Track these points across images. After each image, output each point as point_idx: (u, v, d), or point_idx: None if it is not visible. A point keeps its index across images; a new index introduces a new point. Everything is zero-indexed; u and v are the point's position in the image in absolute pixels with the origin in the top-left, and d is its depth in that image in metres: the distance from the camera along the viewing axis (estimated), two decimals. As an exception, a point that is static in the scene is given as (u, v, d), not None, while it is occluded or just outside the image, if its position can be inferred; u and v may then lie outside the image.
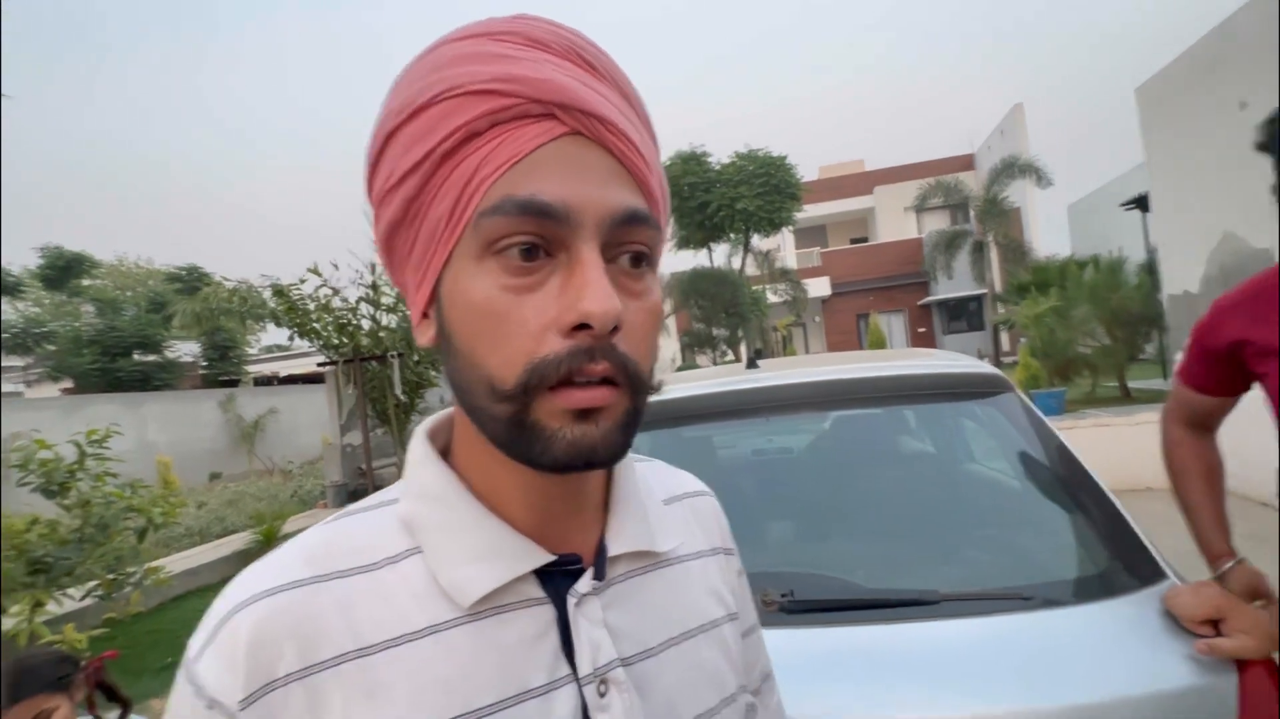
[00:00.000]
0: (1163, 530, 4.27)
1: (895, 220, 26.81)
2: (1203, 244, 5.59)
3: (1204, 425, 1.22)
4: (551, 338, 0.37)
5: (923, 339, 24.71)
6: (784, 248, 29.28)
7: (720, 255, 13.04)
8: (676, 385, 1.43)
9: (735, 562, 0.60)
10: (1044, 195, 24.83)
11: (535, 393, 0.37)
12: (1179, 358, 1.24)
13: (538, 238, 0.38)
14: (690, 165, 10.74)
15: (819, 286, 24.76)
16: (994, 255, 19.80)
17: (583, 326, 0.37)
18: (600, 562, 0.47)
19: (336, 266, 6.70)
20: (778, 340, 26.37)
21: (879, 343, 19.91)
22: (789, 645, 1.05)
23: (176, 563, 5.45)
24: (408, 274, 0.43)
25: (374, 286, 6.91)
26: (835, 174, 30.54)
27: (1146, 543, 1.12)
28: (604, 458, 0.39)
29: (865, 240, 28.84)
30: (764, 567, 1.14)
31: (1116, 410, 6.44)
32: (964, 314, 23.59)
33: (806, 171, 34.19)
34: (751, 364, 1.85)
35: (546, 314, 0.37)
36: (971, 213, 20.61)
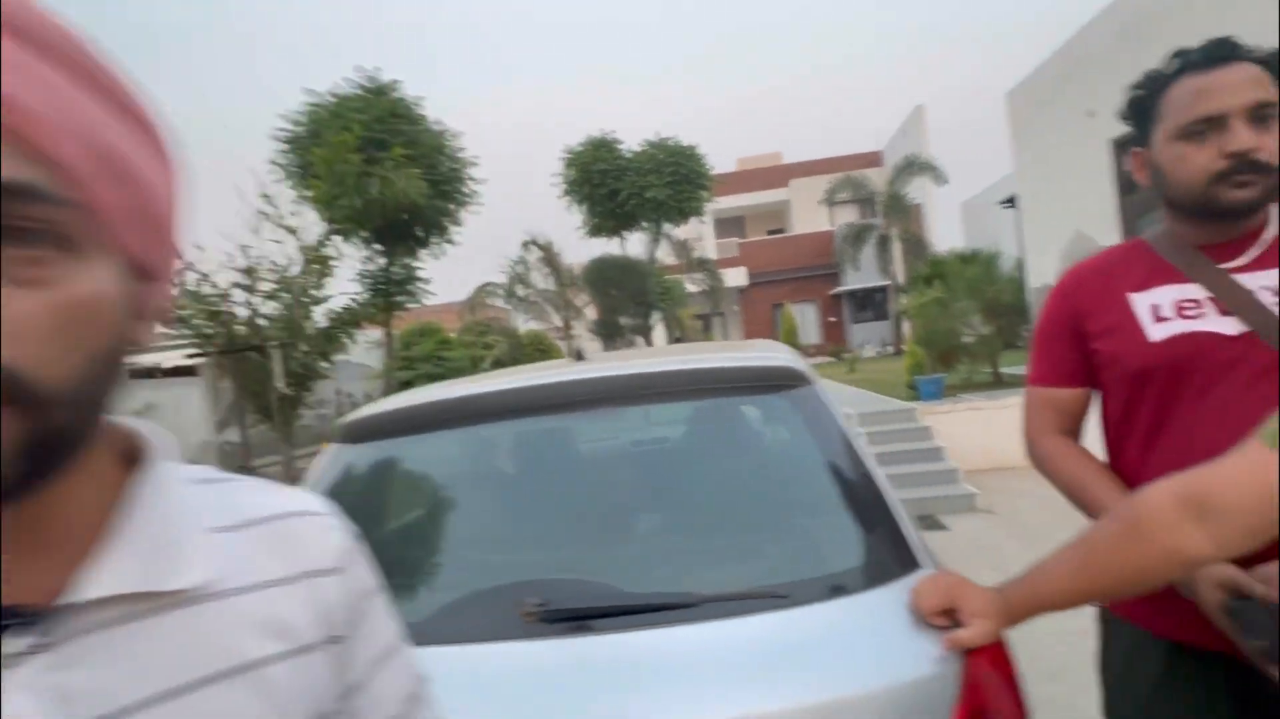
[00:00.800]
0: (1022, 504, 4.57)
1: (810, 213, 27.73)
2: (1061, 240, 6.08)
3: (1069, 429, 1.16)
4: None
5: (833, 328, 25.83)
6: (705, 238, 29.82)
7: (637, 244, 13.11)
8: (444, 387, 1.36)
9: (347, 582, 0.53)
10: (942, 193, 26.47)
11: None
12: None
13: None
14: (601, 152, 10.63)
15: (737, 276, 25.35)
16: (897, 249, 20.97)
17: None
18: (57, 611, 0.38)
19: (201, 249, 6.14)
20: (698, 329, 26.84)
21: (791, 332, 20.64)
22: (546, 657, 1.00)
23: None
24: None
25: (249, 270, 6.39)
26: (753, 166, 31.27)
27: (907, 534, 1.13)
28: None
29: (782, 232, 29.74)
30: (522, 576, 1.08)
31: (988, 395, 6.92)
32: (870, 304, 24.82)
33: (725, 163, 34.67)
34: (578, 357, 1.78)
35: None
36: (878, 208, 21.74)
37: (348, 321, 8.14)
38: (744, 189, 30.33)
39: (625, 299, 8.06)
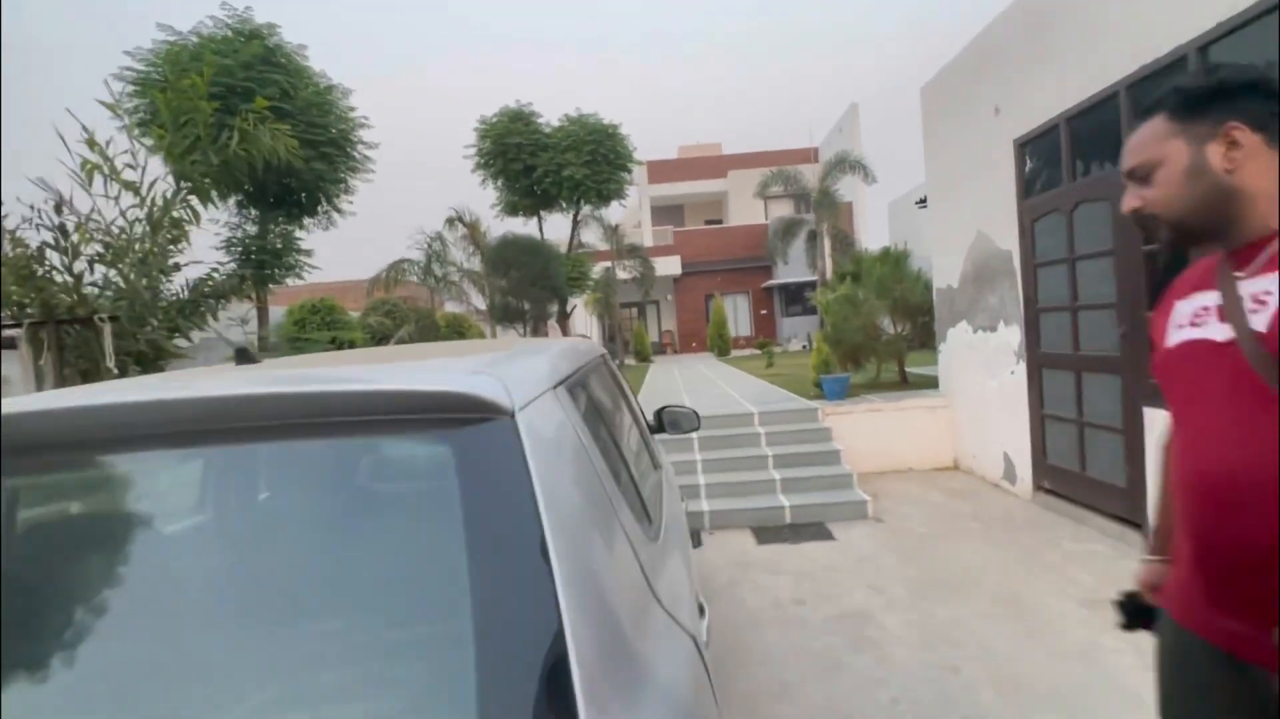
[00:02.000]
0: (911, 513, 4.32)
1: (747, 205, 27.81)
2: (964, 242, 5.96)
3: None
4: None
5: (764, 321, 26.00)
6: (644, 225, 29.41)
7: (560, 227, 12.42)
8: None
9: None
10: (874, 192, 26.99)
11: None
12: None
13: None
14: (516, 125, 9.91)
15: (671, 265, 25.07)
16: (827, 245, 21.21)
17: None
18: None
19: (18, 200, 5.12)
20: (628, 318, 26.44)
21: (721, 323, 20.56)
22: None
23: None
24: None
25: (62, 229, 5.41)
26: (693, 154, 31.04)
27: (574, 676, 0.70)
28: None
29: (720, 222, 29.70)
30: None
31: (890, 396, 6.80)
32: (800, 299, 25.08)
33: (667, 150, 34.13)
34: (244, 358, 1.28)
35: None
36: (810, 204, 21.90)
37: (208, 294, 7.21)
38: (684, 177, 30.12)
39: (526, 282, 7.43)
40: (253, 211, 7.82)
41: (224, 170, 6.59)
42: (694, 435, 6.17)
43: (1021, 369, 5.14)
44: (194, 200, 6.76)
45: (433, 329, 13.33)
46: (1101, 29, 4.00)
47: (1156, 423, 3.78)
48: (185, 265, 6.77)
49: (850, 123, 24.88)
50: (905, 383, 7.64)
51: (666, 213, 31.01)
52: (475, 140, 10.26)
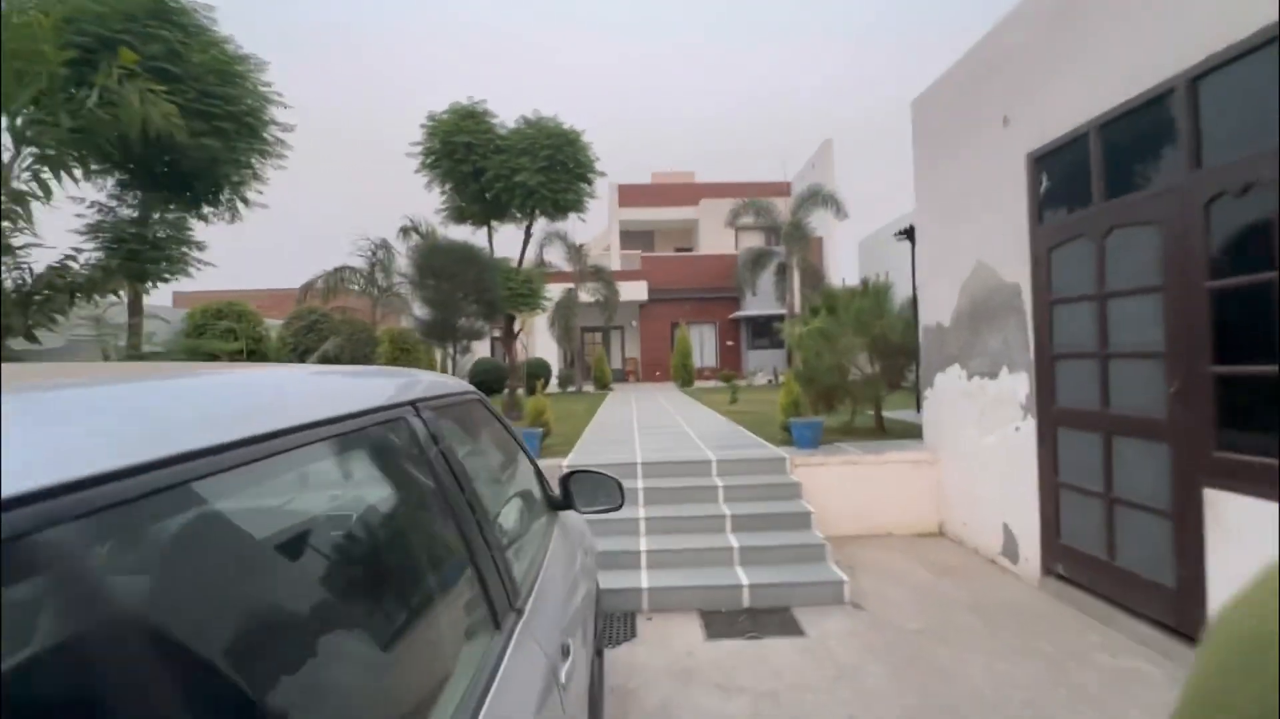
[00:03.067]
0: (895, 596, 3.19)
1: (717, 235, 27.35)
2: (959, 274, 5.17)
3: None
4: None
5: (730, 352, 25.30)
6: (613, 248, 28.62)
7: (514, 239, 11.17)
8: None
9: None
10: (843, 228, 26.78)
11: None
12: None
13: None
14: (467, 123, 8.91)
15: (637, 291, 24.24)
16: (795, 279, 20.69)
17: None
18: None
19: None
20: (593, 347, 25.41)
21: (685, 353, 19.70)
22: None
23: None
24: None
25: None
26: (666, 181, 30.59)
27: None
28: None
29: (690, 250, 29.16)
30: None
31: (868, 445, 5.91)
32: (767, 332, 24.50)
33: (640, 176, 33.74)
34: None
35: None
36: (781, 236, 21.45)
37: (62, 288, 5.92)
38: (656, 203, 29.55)
39: (457, 295, 6.31)
40: (137, 194, 6.59)
41: (84, 137, 5.41)
42: (639, 485, 5.15)
43: (1029, 425, 4.30)
44: (45, 172, 5.54)
45: (368, 344, 12.04)
46: (1156, 13, 3.25)
47: (1225, 510, 2.92)
48: (23, 248, 5.52)
49: (823, 159, 24.76)
50: (882, 429, 6.79)
51: (637, 238, 30.35)
52: (423, 138, 9.20)
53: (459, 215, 9.87)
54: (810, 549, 4.48)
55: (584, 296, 19.75)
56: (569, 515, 2.25)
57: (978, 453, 4.95)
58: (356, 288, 14.82)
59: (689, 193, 29.32)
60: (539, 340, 23.09)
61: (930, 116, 5.66)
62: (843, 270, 25.10)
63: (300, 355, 9.93)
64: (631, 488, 5.05)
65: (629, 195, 29.20)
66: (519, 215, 9.81)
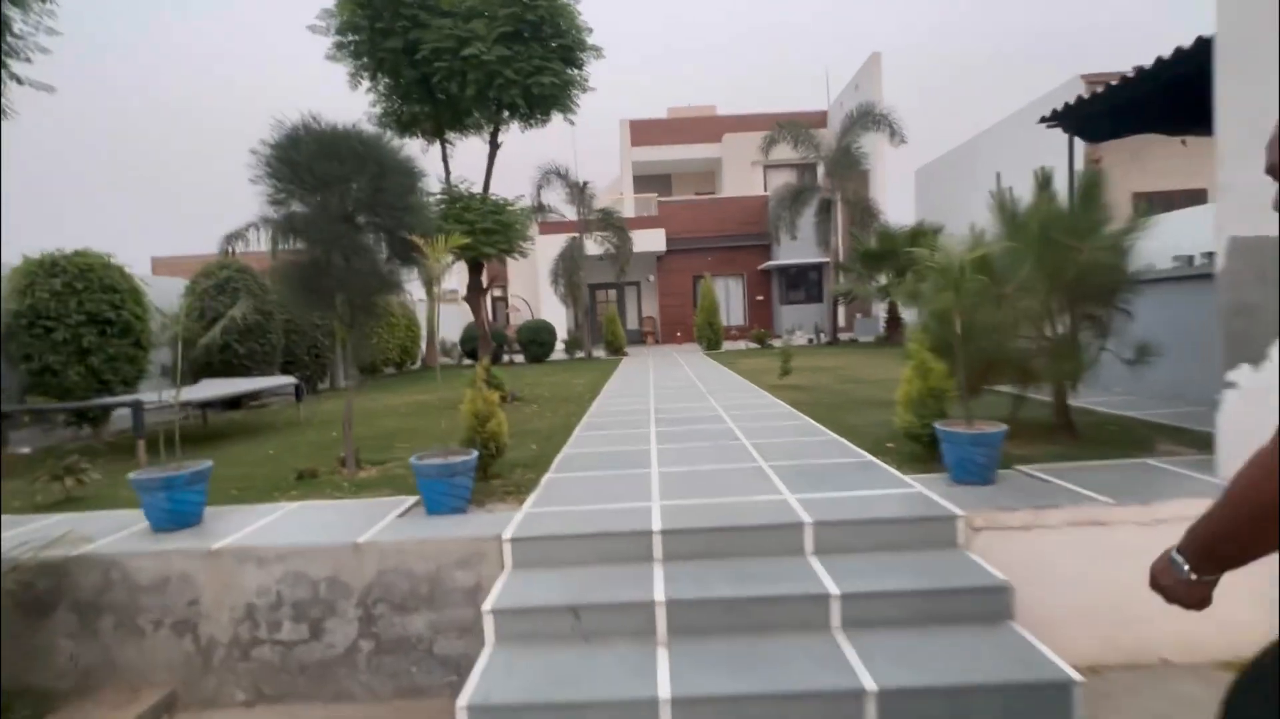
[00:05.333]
0: None
1: (743, 174, 24.05)
2: None
3: None
4: None
5: (760, 309, 22.35)
6: (625, 193, 25.39)
7: (478, 155, 8.06)
8: None
9: None
10: (893, 159, 23.22)
11: None
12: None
13: None
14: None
15: (653, 240, 21.23)
16: (840, 217, 17.53)
17: None
18: None
19: None
20: (604, 305, 22.58)
21: (711, 309, 16.82)
22: None
23: None
24: None
25: None
26: (684, 115, 27.06)
27: None
28: None
29: (713, 193, 25.90)
30: None
31: (1083, 472, 3.15)
32: (804, 283, 21.47)
33: (655, 110, 30.10)
34: None
35: None
36: (820, 169, 18.19)
37: None
38: (673, 141, 26.11)
39: (332, 218, 3.37)
40: None
41: None
42: (657, 595, 2.49)
43: None
44: None
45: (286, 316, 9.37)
46: None
47: None
48: None
49: (869, 77, 21.06)
50: (1071, 428, 4.00)
51: (652, 182, 26.98)
52: (331, 8, 6.26)
53: (400, 123, 6.99)
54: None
55: (591, 248, 16.84)
56: None
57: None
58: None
59: (711, 128, 25.78)
60: (545, 300, 20.35)
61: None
62: (897, 208, 21.73)
63: (209, 323, 7.36)
64: (644, 601, 2.38)
65: (642, 133, 25.79)
66: (480, 118, 6.87)
